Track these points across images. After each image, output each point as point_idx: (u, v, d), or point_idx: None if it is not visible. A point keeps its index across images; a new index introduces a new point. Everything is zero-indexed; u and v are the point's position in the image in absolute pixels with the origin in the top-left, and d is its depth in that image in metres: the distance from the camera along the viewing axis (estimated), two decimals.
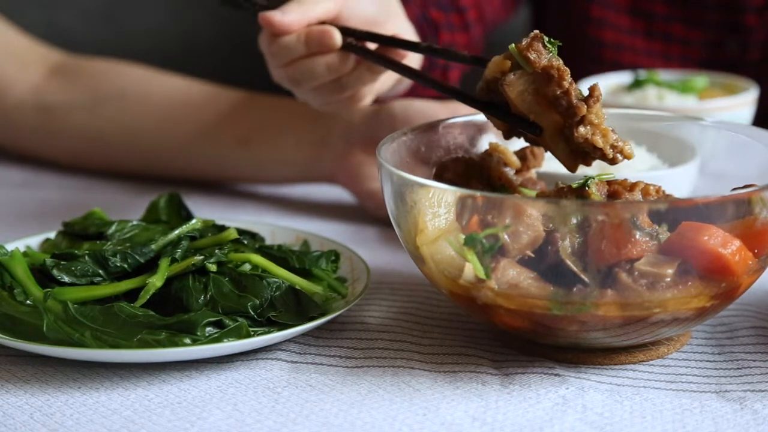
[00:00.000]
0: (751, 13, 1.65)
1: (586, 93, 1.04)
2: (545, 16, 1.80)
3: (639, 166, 1.27)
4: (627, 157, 1.04)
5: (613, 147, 1.04)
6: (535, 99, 1.04)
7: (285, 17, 1.17)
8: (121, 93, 1.50)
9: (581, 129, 1.03)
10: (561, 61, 1.04)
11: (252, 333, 1.02)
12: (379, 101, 1.37)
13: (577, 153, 1.05)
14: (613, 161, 1.04)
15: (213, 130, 1.44)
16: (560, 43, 1.04)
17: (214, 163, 1.45)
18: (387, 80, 1.24)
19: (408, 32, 1.26)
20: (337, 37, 1.16)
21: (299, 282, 1.08)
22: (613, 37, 1.70)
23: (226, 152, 1.44)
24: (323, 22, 1.18)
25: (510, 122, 1.08)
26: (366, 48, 1.18)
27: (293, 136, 1.41)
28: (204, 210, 1.34)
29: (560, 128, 1.04)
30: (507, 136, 1.10)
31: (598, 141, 1.03)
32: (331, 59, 1.18)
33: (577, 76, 1.44)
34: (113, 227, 1.14)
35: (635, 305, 0.97)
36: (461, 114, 1.20)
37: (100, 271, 1.07)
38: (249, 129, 1.43)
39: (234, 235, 1.12)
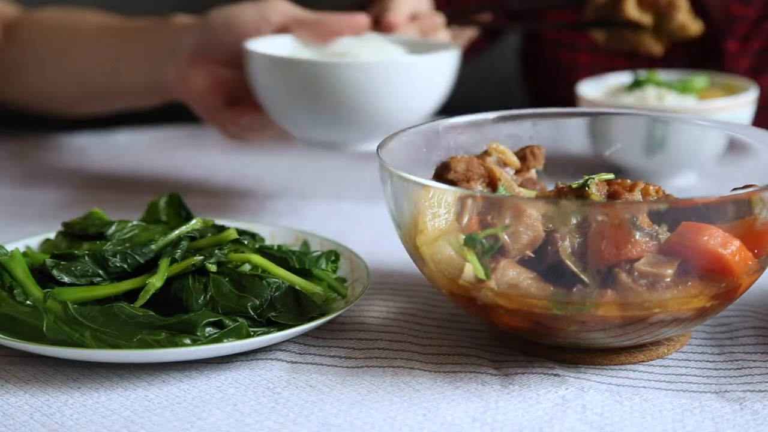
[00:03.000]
0: (733, 39, 1.66)
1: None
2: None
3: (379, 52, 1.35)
4: None
5: None
6: None
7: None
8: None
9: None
10: None
11: (252, 333, 1.02)
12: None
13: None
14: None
15: (98, 51, 1.52)
16: None
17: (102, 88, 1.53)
18: None
19: None
20: None
21: (299, 282, 1.08)
22: (590, 59, 1.72)
23: (102, 78, 1.51)
24: None
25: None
26: None
27: (131, 55, 1.47)
28: (203, 210, 1.35)
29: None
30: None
31: None
32: None
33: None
34: (113, 227, 1.13)
35: (635, 305, 0.97)
36: (276, 10, 1.33)
37: (100, 272, 1.07)
38: (115, 53, 1.50)
39: (234, 235, 1.11)
